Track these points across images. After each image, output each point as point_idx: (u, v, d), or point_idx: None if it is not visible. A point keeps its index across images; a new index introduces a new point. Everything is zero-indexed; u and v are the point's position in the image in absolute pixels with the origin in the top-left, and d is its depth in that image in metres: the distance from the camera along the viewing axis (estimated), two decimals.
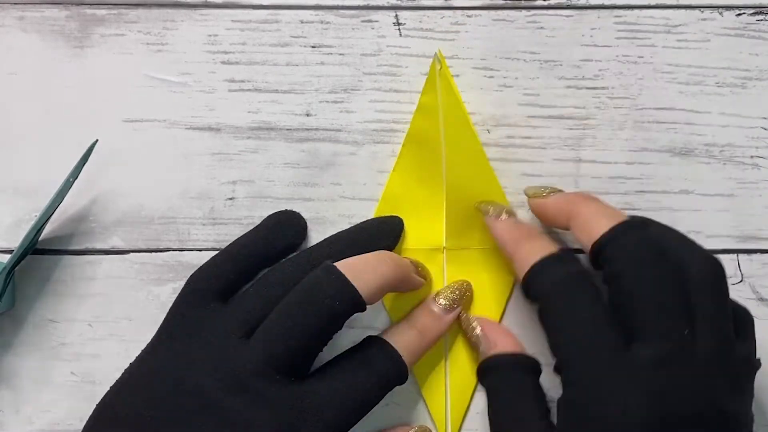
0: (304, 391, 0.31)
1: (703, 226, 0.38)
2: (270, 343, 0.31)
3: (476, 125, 0.39)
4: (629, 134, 0.39)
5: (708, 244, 0.38)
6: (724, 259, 0.38)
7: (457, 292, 0.36)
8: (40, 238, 0.37)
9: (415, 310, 0.36)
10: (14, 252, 0.35)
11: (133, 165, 0.39)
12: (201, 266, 0.35)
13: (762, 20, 0.40)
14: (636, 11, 0.40)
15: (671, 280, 0.31)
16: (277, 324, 0.32)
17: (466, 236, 0.38)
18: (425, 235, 0.38)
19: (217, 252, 0.36)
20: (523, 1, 0.40)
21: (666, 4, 0.40)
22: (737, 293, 0.38)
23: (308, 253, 0.35)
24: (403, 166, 0.38)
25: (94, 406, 0.33)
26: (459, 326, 0.37)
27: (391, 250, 0.36)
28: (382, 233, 0.37)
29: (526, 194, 0.37)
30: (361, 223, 0.38)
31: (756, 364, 0.32)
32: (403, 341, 0.34)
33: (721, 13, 0.40)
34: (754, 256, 0.38)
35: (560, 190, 0.36)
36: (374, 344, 0.34)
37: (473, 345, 0.36)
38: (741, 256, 0.38)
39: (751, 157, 0.39)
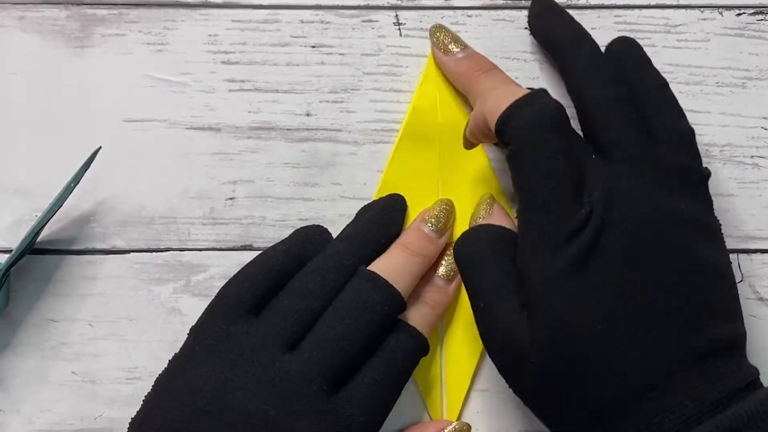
0: (347, 397, 0.31)
1: None
2: (321, 355, 0.31)
3: None
4: None
5: None
6: None
7: (452, 262, 0.36)
8: (39, 239, 0.37)
9: (423, 285, 0.36)
10: (11, 253, 0.35)
11: (133, 165, 0.39)
12: (234, 276, 0.34)
13: (762, 20, 0.40)
14: (636, 11, 0.40)
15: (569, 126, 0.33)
16: (328, 336, 0.32)
17: (463, 228, 0.38)
18: None
19: (247, 262, 0.34)
20: (523, 1, 0.40)
21: (666, 4, 0.40)
22: None
23: (330, 258, 0.34)
24: (398, 161, 0.38)
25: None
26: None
27: (399, 231, 0.37)
28: (392, 221, 0.37)
29: (430, 33, 0.38)
30: (365, 212, 0.37)
31: (705, 173, 0.33)
32: (419, 317, 0.35)
33: (721, 13, 0.40)
34: (754, 256, 0.38)
35: (464, 47, 0.38)
36: (398, 330, 0.34)
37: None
38: (741, 255, 0.38)
39: (751, 156, 0.39)
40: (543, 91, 0.33)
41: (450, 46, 0.38)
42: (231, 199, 0.39)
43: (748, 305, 0.38)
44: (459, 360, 0.37)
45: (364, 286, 0.33)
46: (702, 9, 0.40)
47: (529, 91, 0.34)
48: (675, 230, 0.30)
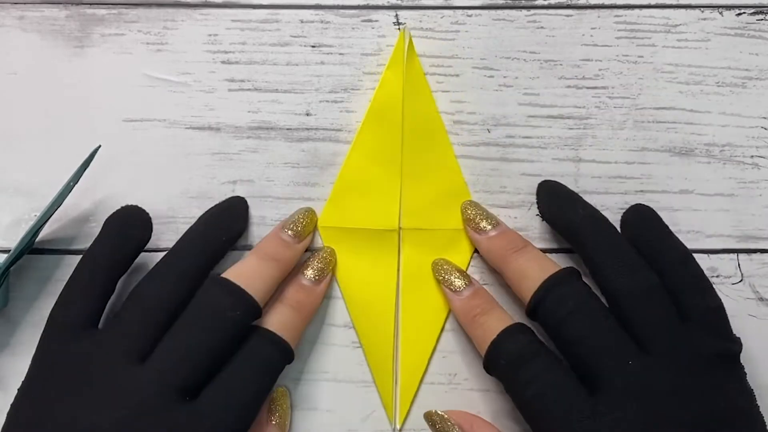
0: (202, 406, 0.31)
1: (702, 225, 0.38)
2: (172, 365, 0.31)
3: (476, 125, 0.39)
4: (629, 134, 0.39)
5: (708, 244, 0.38)
6: (724, 258, 0.38)
7: (323, 262, 0.37)
8: (38, 239, 0.37)
9: (287, 288, 0.36)
10: (10, 252, 0.35)
11: (133, 165, 0.39)
12: (59, 297, 0.33)
13: (762, 20, 0.40)
14: (636, 11, 0.40)
15: (603, 319, 0.33)
16: (177, 345, 0.31)
17: (423, 216, 0.38)
18: (379, 215, 0.38)
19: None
20: (523, 1, 0.40)
21: (666, 4, 0.40)
22: (737, 293, 0.38)
23: (172, 264, 0.34)
24: (361, 143, 0.38)
25: None
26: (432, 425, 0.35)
27: (244, 230, 0.38)
28: (232, 219, 0.37)
29: (462, 209, 0.37)
30: (205, 215, 0.36)
31: (737, 349, 0.33)
32: (280, 321, 0.34)
33: (721, 13, 0.40)
34: (754, 256, 0.38)
35: (496, 224, 0.37)
36: (253, 334, 0.33)
37: None
38: (741, 255, 0.38)
39: (751, 156, 0.39)
40: (573, 273, 0.34)
41: (482, 224, 0.37)
42: None
43: (748, 305, 0.38)
44: (414, 347, 0.37)
45: (213, 291, 0.33)
46: (702, 9, 0.40)
47: (560, 269, 0.34)
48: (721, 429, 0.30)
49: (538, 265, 0.35)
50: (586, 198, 0.38)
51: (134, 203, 0.38)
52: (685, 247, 0.35)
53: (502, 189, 0.39)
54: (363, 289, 0.37)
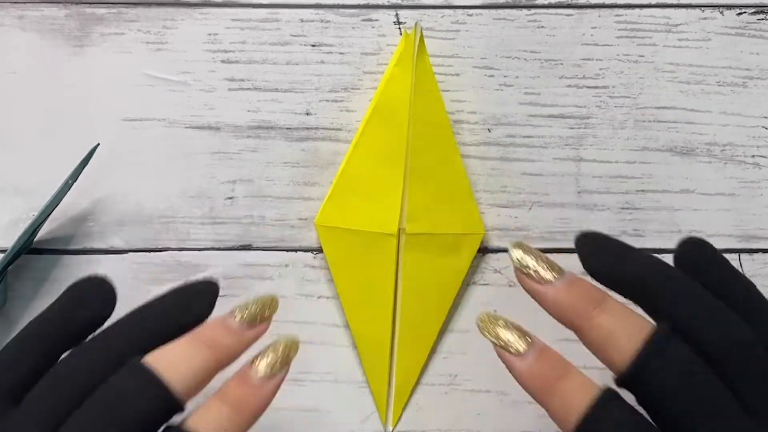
0: None
1: (704, 225, 0.38)
2: None
3: (477, 124, 0.39)
4: (630, 133, 0.39)
5: None
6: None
7: (281, 355, 0.30)
8: (36, 238, 0.37)
9: (229, 381, 0.29)
10: (7, 252, 0.35)
11: (132, 164, 0.39)
12: None
13: (763, 19, 0.40)
14: (637, 10, 0.40)
15: (712, 389, 0.28)
16: None
17: (427, 220, 0.37)
18: (379, 218, 0.36)
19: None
20: (523, 0, 0.40)
21: (667, 3, 0.40)
22: None
23: (101, 342, 0.29)
24: (365, 141, 0.37)
25: None
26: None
27: (205, 317, 0.31)
28: (193, 299, 0.30)
29: (511, 256, 0.30)
30: (170, 291, 0.30)
31: None
32: (210, 422, 0.28)
33: (721, 12, 0.40)
34: (756, 256, 0.38)
35: (560, 272, 0.30)
36: None
37: None
38: (742, 255, 0.38)
39: (752, 156, 0.39)
40: (670, 334, 0.28)
41: (546, 276, 0.30)
42: (230, 198, 0.38)
43: None
44: (411, 352, 0.37)
45: (121, 376, 0.27)
46: (703, 8, 0.40)
47: (654, 329, 0.28)
48: None
49: (626, 323, 0.29)
50: (586, 197, 0.38)
51: (133, 202, 0.38)
52: (747, 278, 0.30)
53: (502, 189, 0.39)
54: (359, 291, 0.37)
